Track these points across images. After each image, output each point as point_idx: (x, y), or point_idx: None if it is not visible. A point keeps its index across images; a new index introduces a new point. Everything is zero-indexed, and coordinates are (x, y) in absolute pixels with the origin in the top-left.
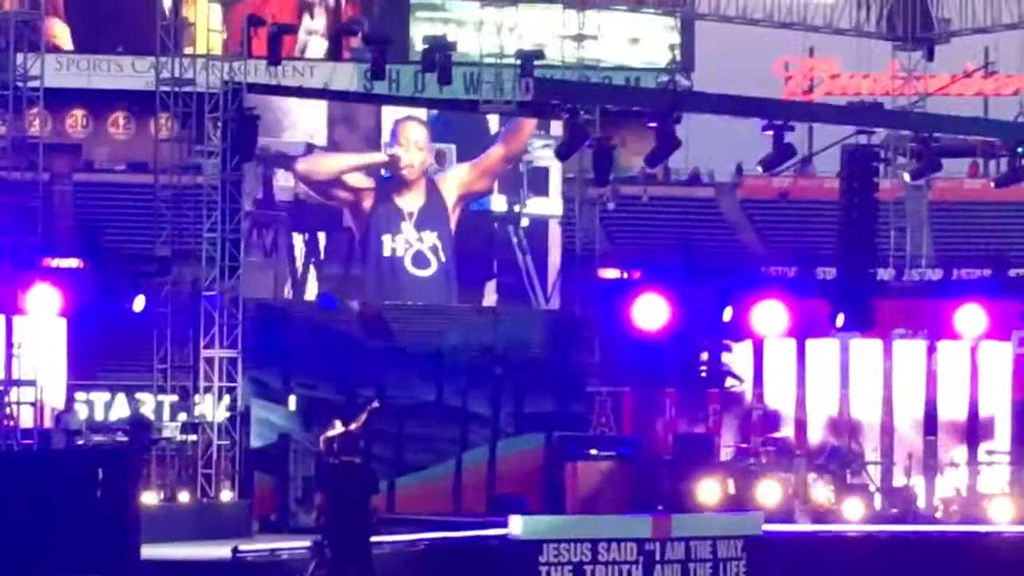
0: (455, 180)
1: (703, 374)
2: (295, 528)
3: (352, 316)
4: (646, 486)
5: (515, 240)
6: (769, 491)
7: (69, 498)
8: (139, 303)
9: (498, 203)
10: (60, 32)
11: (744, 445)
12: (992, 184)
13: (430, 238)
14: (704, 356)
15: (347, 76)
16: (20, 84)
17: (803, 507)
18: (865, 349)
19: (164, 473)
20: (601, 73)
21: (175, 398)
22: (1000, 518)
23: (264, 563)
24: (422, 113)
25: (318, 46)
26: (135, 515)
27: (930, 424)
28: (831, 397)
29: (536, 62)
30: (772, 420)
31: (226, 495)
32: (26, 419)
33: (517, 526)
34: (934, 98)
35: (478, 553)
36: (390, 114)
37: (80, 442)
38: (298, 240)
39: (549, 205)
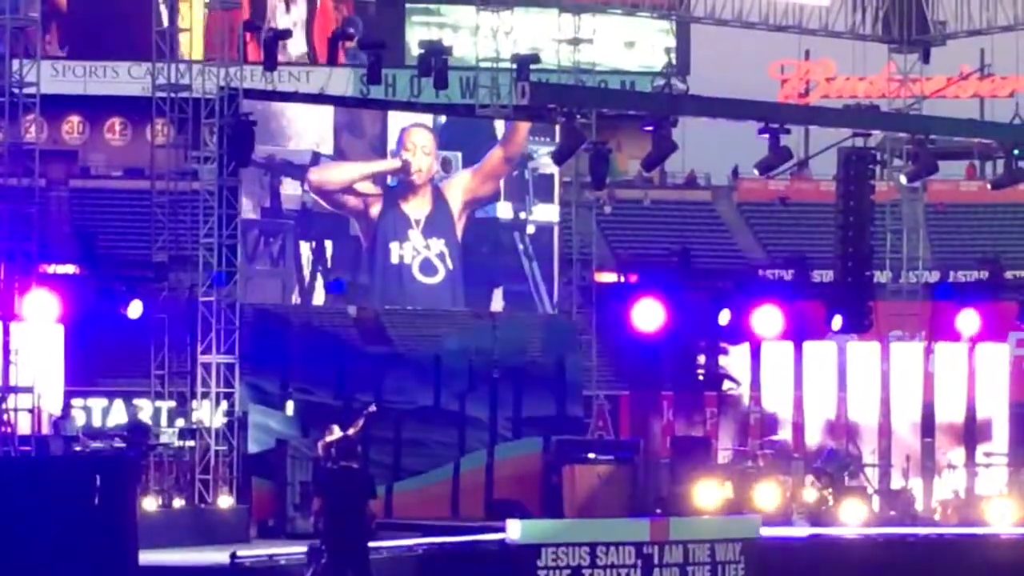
0: (459, 187)
1: (700, 377)
2: (293, 533)
3: (350, 321)
4: (644, 489)
5: (521, 247)
6: (767, 494)
7: (67, 504)
8: (134, 309)
9: (504, 210)
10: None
11: (742, 448)
12: (989, 186)
13: (437, 245)
14: (701, 359)
15: (343, 81)
16: (16, 90)
17: (800, 510)
18: (862, 351)
19: (162, 479)
20: (597, 77)
21: (172, 404)
22: (998, 520)
23: (262, 568)
24: (428, 120)
25: (298, 40)
26: (133, 521)
27: (927, 426)
28: (828, 400)
29: (532, 66)
30: (770, 423)
31: (224, 500)
32: (24, 426)
33: (515, 530)
34: (930, 100)
35: (476, 558)
36: (396, 121)
37: (78, 448)
38: (305, 248)
39: (554, 212)
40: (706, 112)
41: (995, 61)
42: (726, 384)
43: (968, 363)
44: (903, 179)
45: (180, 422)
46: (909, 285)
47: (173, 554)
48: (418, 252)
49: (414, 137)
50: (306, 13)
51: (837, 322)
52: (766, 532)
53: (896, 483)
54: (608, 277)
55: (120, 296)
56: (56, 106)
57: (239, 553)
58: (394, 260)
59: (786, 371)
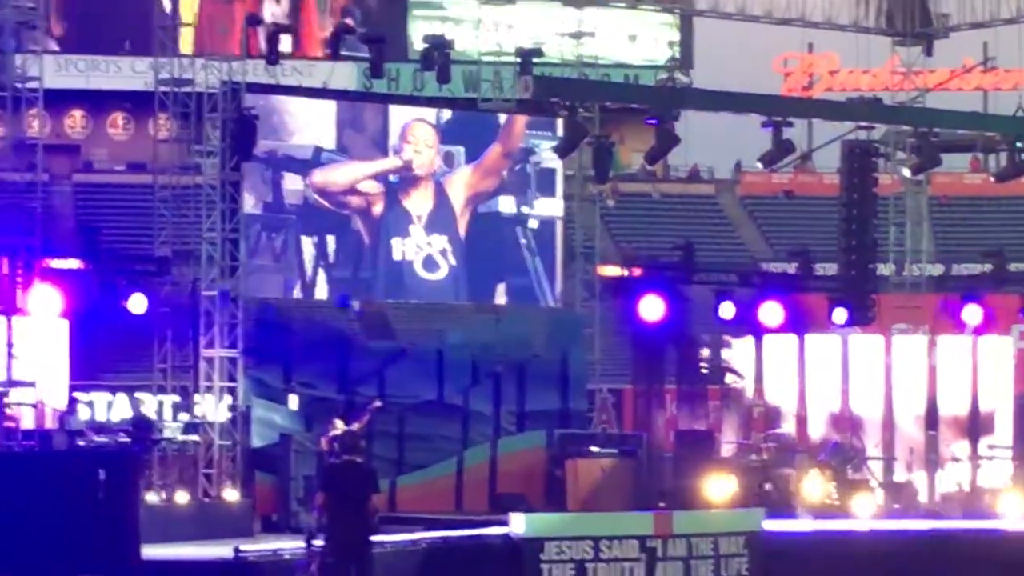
0: (461, 182)
1: (704, 370)
2: (297, 528)
3: (353, 315)
4: (647, 483)
5: (523, 241)
6: (770, 487)
7: (71, 499)
8: (135, 303)
9: (506, 204)
10: None
11: (745, 441)
12: (992, 179)
13: (439, 242)
14: (705, 352)
15: (346, 75)
16: (19, 85)
17: (804, 503)
18: (865, 344)
19: (165, 473)
20: (600, 70)
21: (176, 398)
22: (1009, 513)
23: (266, 563)
24: (430, 115)
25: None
26: (136, 515)
27: (931, 419)
28: (832, 393)
29: (535, 60)
30: (773, 416)
31: (228, 495)
32: (27, 420)
33: (519, 524)
34: (933, 93)
35: (480, 552)
36: (398, 117)
37: (81, 443)
38: (307, 243)
39: (557, 206)
40: (709, 105)
41: (999, 54)
42: (729, 377)
43: (972, 356)
44: (906, 172)
45: (183, 416)
46: (912, 278)
47: (176, 548)
48: (420, 249)
49: (416, 131)
50: (289, 7)
51: (840, 315)
52: (770, 525)
53: (900, 476)
54: (611, 271)
55: (123, 290)
56: (59, 100)
57: (243, 548)
58: (396, 257)
59: (789, 364)
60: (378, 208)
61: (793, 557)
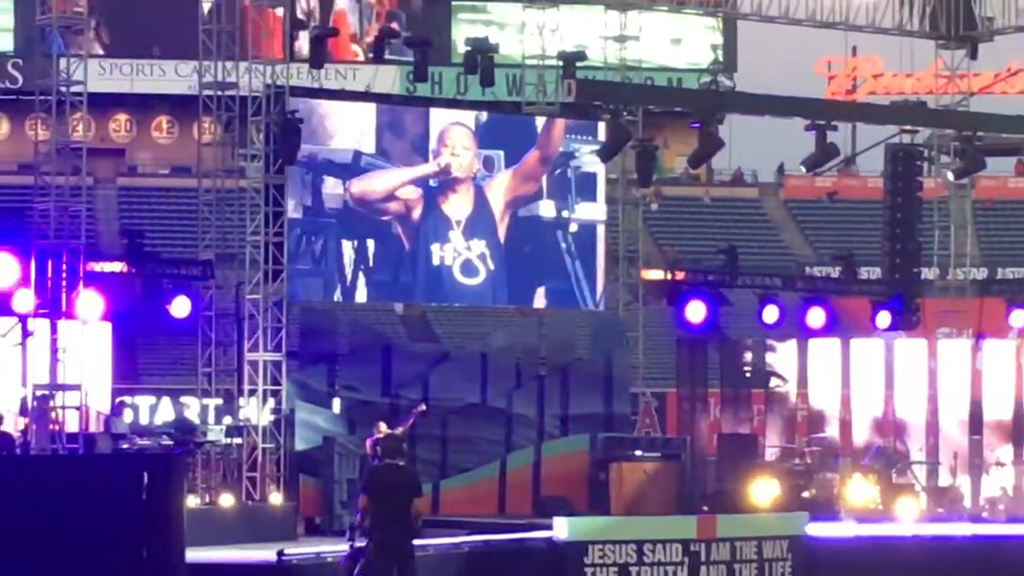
0: (501, 186)
1: (747, 374)
2: (340, 531)
3: (397, 318)
4: (691, 487)
5: (564, 246)
6: (814, 491)
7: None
8: (178, 306)
9: (547, 209)
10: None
11: (789, 445)
12: None
13: (478, 246)
14: (748, 356)
15: (389, 79)
16: (63, 88)
17: (847, 507)
18: (910, 348)
19: (209, 476)
20: (643, 74)
21: (219, 401)
22: None
23: (309, 566)
24: (469, 119)
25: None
26: (180, 518)
27: (975, 423)
28: (876, 397)
29: (578, 63)
30: (817, 420)
31: (271, 498)
32: (71, 423)
33: (562, 528)
34: (978, 96)
35: (523, 555)
36: (438, 121)
37: (125, 446)
38: (347, 247)
39: (597, 210)
40: (753, 109)
41: None
42: (773, 381)
43: (1016, 360)
44: (951, 176)
45: (227, 420)
46: (957, 282)
47: (220, 551)
48: (459, 253)
49: (453, 135)
50: (319, 8)
51: (884, 319)
52: (813, 529)
53: (944, 480)
54: (655, 274)
55: (167, 294)
56: (103, 104)
57: (286, 551)
58: (435, 262)
59: (833, 368)
60: (417, 212)
61: (836, 561)
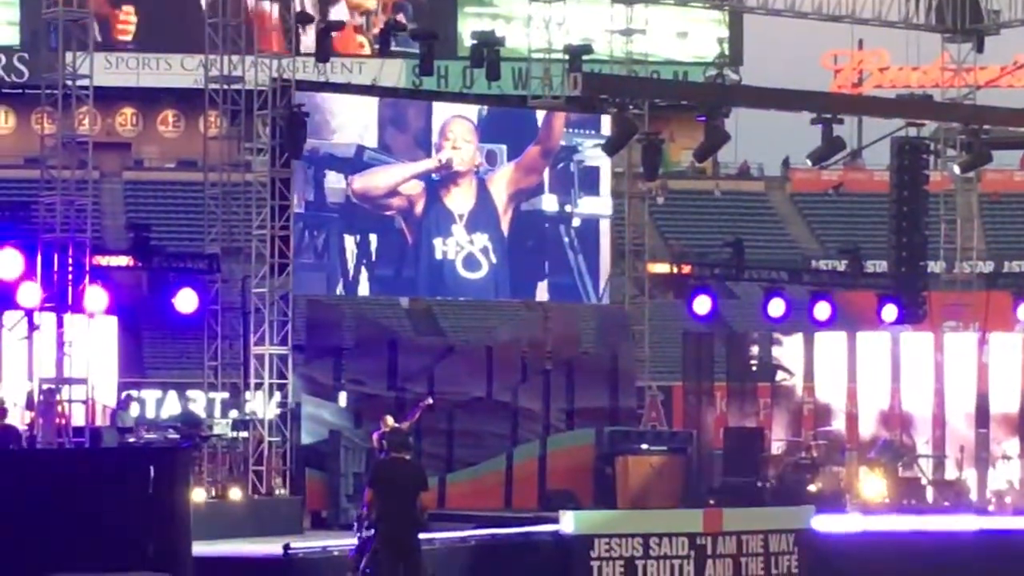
0: (503, 180)
1: (754, 368)
2: (346, 525)
3: (402, 312)
4: (697, 480)
5: (566, 240)
6: (820, 485)
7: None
8: (184, 300)
9: (549, 203)
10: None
11: (795, 439)
12: None
13: (481, 240)
14: (754, 350)
15: (395, 73)
16: (69, 82)
17: (854, 500)
18: (916, 342)
19: (215, 470)
20: (649, 67)
21: (226, 395)
22: None
23: (315, 559)
24: (471, 113)
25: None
26: (186, 512)
27: (982, 417)
28: (882, 390)
29: (584, 57)
30: (823, 413)
31: (277, 492)
32: (78, 417)
33: (568, 522)
34: (984, 90)
35: (529, 549)
36: (440, 114)
37: (131, 439)
38: (350, 242)
39: (600, 204)
40: (759, 102)
41: None
42: (779, 375)
43: (1023, 353)
44: (957, 169)
45: (233, 413)
46: (963, 275)
47: (226, 545)
48: (461, 247)
49: (454, 128)
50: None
51: (891, 312)
52: (819, 522)
53: (950, 474)
54: (661, 268)
55: (173, 287)
56: (109, 98)
57: (292, 544)
58: (438, 256)
59: (839, 362)
60: (419, 206)
61: (842, 554)
